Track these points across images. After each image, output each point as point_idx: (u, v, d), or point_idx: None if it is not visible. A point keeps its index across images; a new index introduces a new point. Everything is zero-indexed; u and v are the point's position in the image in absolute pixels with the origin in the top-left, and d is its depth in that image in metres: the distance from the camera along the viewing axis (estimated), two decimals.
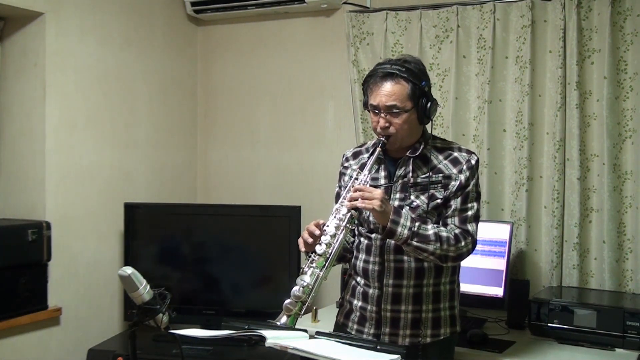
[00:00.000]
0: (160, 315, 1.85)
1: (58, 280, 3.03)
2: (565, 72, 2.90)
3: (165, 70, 3.65)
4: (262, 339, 1.65)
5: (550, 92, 2.96)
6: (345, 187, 2.15)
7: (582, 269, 2.91)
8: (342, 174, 2.30)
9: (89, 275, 3.20)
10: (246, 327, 1.76)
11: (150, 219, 3.31)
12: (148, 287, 1.84)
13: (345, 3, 3.42)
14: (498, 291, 2.83)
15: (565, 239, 2.92)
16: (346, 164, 2.30)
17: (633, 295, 2.78)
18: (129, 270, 1.81)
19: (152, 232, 3.32)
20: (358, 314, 2.21)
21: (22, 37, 2.99)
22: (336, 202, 2.19)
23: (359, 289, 2.21)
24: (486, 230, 2.90)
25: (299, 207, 3.12)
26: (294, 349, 1.62)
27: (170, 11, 3.67)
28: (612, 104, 2.81)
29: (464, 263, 2.89)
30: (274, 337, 1.66)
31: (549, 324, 2.63)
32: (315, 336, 1.76)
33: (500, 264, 2.84)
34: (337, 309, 2.37)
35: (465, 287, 2.89)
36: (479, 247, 2.87)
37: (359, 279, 2.22)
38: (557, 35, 2.91)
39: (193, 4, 3.64)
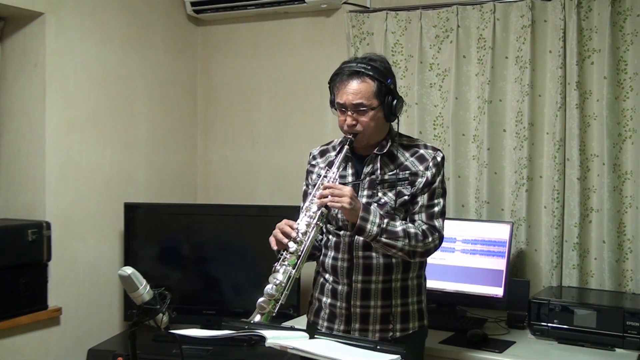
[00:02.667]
0: (160, 315, 1.85)
1: (58, 280, 3.03)
2: (565, 72, 2.90)
3: (165, 70, 3.65)
4: (262, 339, 1.65)
5: (550, 92, 2.96)
6: (314, 185, 2.17)
7: (582, 269, 2.91)
8: (309, 172, 2.33)
9: (89, 275, 3.20)
10: (246, 327, 1.76)
11: (150, 219, 3.31)
12: (148, 287, 1.84)
13: (345, 3, 3.42)
14: (498, 291, 2.83)
15: (565, 239, 2.92)
16: (313, 162, 2.33)
17: (633, 295, 2.78)
18: (129, 270, 1.81)
19: (152, 232, 3.32)
20: (327, 311, 2.23)
21: (22, 37, 3.00)
22: (303, 201, 2.22)
23: (328, 286, 2.23)
24: (486, 230, 2.91)
25: (299, 207, 3.11)
26: (294, 349, 1.62)
27: (170, 11, 3.67)
28: (612, 104, 2.81)
29: (463, 263, 2.91)
30: (274, 337, 1.66)
31: (549, 324, 2.63)
32: (315, 336, 1.76)
33: (500, 264, 2.84)
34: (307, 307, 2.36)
35: (465, 287, 2.90)
36: (478, 247, 2.89)
37: (327, 276, 2.23)
38: (557, 35, 2.91)
39: (193, 4, 3.64)
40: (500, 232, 2.87)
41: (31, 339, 2.94)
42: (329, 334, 1.92)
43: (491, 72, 3.04)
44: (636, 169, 2.81)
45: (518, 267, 3.03)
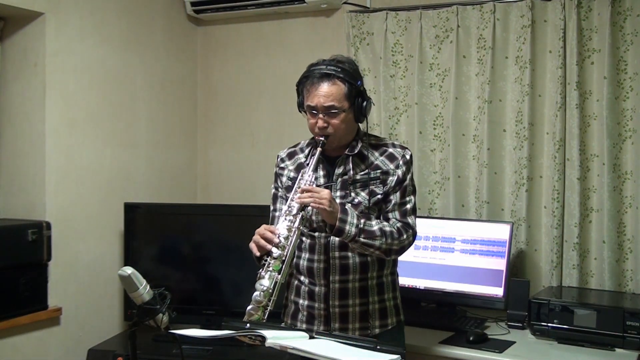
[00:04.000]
0: (160, 315, 1.85)
1: (58, 280, 3.03)
2: (565, 72, 2.90)
3: (165, 70, 3.64)
4: (262, 339, 1.65)
5: (550, 92, 2.96)
6: (285, 188, 2.20)
7: (582, 269, 2.91)
8: (278, 175, 2.34)
9: (89, 275, 3.20)
10: (246, 327, 1.76)
11: (150, 219, 3.31)
12: (148, 287, 1.84)
13: (345, 3, 3.42)
14: (498, 291, 2.83)
15: (565, 239, 2.93)
16: (282, 165, 2.34)
17: (633, 295, 2.78)
18: (129, 270, 1.81)
19: (152, 232, 3.32)
20: (305, 313, 2.22)
21: (22, 37, 2.99)
22: (273, 204, 2.26)
23: (304, 288, 2.23)
24: (486, 230, 2.91)
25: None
26: (294, 349, 1.62)
27: (170, 11, 3.67)
28: (612, 104, 2.82)
29: (463, 263, 2.91)
30: (274, 337, 1.66)
31: (549, 324, 2.63)
32: (315, 336, 1.76)
33: (500, 264, 2.84)
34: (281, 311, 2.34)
35: (466, 287, 2.90)
36: (478, 247, 2.89)
37: (302, 278, 2.23)
38: (557, 35, 2.91)
39: (193, 4, 3.64)
40: (500, 232, 2.87)
41: (31, 339, 2.93)
42: (329, 333, 1.92)
43: (491, 72, 3.04)
44: (636, 169, 2.81)
45: (518, 267, 3.03)
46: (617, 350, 2.50)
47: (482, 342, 2.57)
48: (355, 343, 1.71)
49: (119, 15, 3.32)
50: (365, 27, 3.33)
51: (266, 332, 1.67)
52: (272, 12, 3.59)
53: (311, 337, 1.74)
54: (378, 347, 1.67)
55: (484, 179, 3.07)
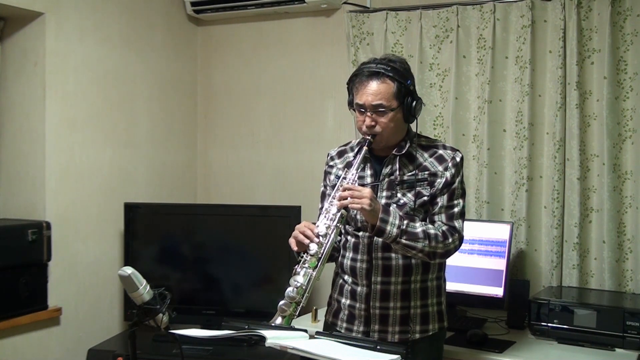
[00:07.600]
0: (160, 315, 1.85)
1: (58, 280, 3.03)
2: (565, 72, 2.90)
3: (165, 70, 3.65)
4: (262, 339, 1.65)
5: (550, 92, 2.96)
6: (332, 186, 2.17)
7: (582, 269, 2.91)
8: (327, 173, 2.32)
9: (89, 275, 3.20)
10: (246, 327, 1.76)
11: (150, 219, 3.31)
12: (148, 287, 1.84)
13: (345, 3, 3.42)
14: (498, 291, 2.83)
15: (565, 239, 2.93)
16: (331, 163, 2.32)
17: (633, 295, 2.78)
18: (129, 270, 1.81)
19: (152, 232, 3.32)
20: (347, 312, 2.22)
21: (22, 37, 3.00)
22: (321, 202, 2.23)
23: (347, 287, 2.22)
24: (486, 230, 2.91)
25: (299, 207, 3.12)
26: (294, 349, 1.62)
27: (170, 11, 3.67)
28: (612, 104, 2.82)
29: (463, 263, 2.91)
30: (274, 337, 1.66)
31: (549, 324, 2.63)
32: (315, 336, 1.76)
33: (500, 264, 2.84)
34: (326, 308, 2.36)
35: (466, 287, 2.90)
36: (478, 247, 2.89)
37: (346, 277, 2.23)
38: (557, 35, 2.91)
39: (193, 4, 3.64)
40: (500, 232, 2.87)
41: (31, 339, 2.94)
42: (329, 333, 1.92)
43: (491, 72, 3.04)
44: (636, 169, 2.81)
45: (518, 267, 3.03)
46: (617, 350, 2.50)
47: (482, 342, 2.57)
48: (355, 343, 1.71)
49: (118, 15, 3.32)
50: (365, 27, 3.33)
51: (266, 332, 1.67)
52: (272, 12, 3.59)
53: (311, 337, 1.74)
54: (378, 347, 1.68)
55: (484, 179, 3.07)
